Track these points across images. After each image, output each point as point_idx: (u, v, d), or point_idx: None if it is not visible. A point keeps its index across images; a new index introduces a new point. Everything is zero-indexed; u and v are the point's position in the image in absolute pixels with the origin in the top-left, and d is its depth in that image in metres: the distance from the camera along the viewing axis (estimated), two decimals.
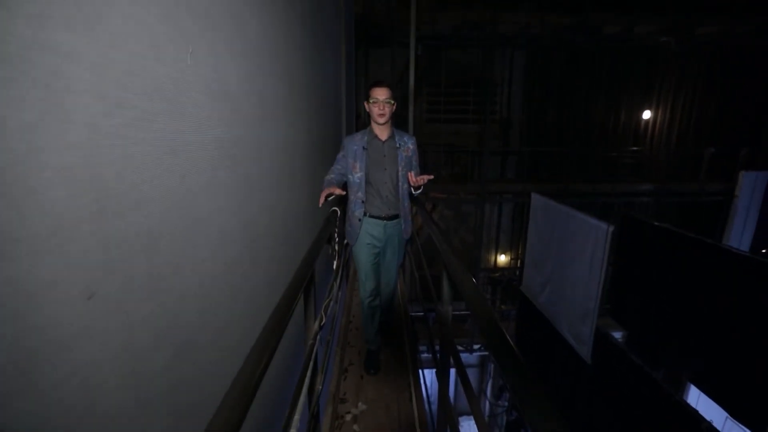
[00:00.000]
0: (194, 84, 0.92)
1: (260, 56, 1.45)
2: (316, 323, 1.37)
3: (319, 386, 1.40)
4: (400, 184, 1.96)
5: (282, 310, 0.91)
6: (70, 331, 0.54)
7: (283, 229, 1.80)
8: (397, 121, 7.80)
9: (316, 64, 2.68)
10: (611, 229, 3.56)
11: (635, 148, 8.79)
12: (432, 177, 1.90)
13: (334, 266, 1.92)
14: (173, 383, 0.82)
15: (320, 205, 1.84)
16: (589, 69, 7.81)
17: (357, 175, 1.93)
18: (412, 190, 1.97)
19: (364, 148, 1.92)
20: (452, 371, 1.55)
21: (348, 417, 1.84)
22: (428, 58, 7.97)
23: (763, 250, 7.39)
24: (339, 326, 2.66)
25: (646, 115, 8.71)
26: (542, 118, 8.52)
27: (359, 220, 1.98)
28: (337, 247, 1.85)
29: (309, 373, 1.23)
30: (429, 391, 2.27)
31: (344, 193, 1.93)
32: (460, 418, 7.93)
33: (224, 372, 1.02)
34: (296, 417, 1.05)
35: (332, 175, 1.97)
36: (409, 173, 1.89)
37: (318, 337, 1.34)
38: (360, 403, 1.93)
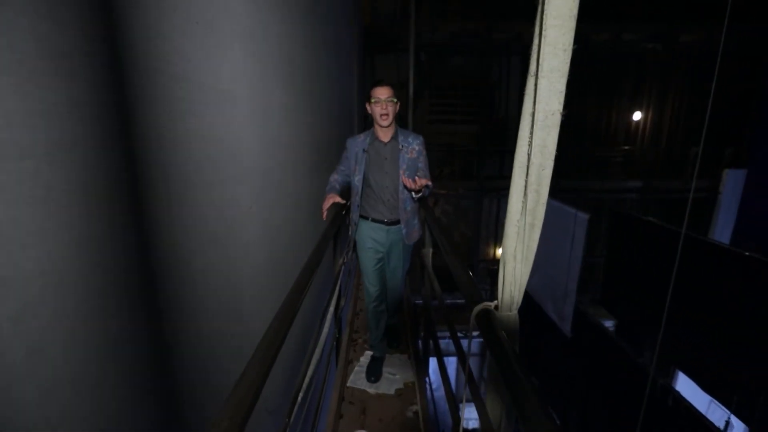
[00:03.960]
0: (292, 113, 1.60)
1: (307, 82, 2.15)
2: (341, 259, 2.05)
3: (342, 303, 2.07)
4: (401, 188, 1.87)
5: (322, 244, 1.55)
6: (243, 220, 1.22)
7: (317, 198, 2.50)
8: (399, 124, 8.47)
9: (335, 77, 3.36)
10: (587, 217, 4.18)
11: (626, 147, 9.35)
12: (429, 183, 1.77)
13: (350, 232, 2.60)
14: (273, 270, 1.51)
15: (324, 218, 1.84)
16: (581, 73, 8.39)
17: (356, 179, 1.91)
18: (412, 194, 1.81)
19: (364, 150, 1.87)
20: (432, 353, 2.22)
21: (360, 340, 2.52)
22: (430, 64, 8.62)
23: (751, 244, 7.91)
24: (353, 282, 3.33)
25: (637, 116, 9.27)
26: None
27: (355, 224, 2.01)
28: (351, 217, 2.52)
29: (337, 292, 1.90)
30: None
31: (343, 202, 1.93)
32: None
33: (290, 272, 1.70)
34: (325, 329, 1.64)
35: (336, 176, 1.98)
36: (403, 177, 1.77)
37: (342, 268, 2.01)
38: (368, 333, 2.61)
